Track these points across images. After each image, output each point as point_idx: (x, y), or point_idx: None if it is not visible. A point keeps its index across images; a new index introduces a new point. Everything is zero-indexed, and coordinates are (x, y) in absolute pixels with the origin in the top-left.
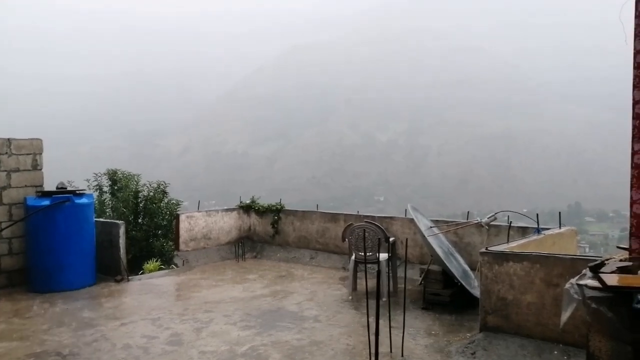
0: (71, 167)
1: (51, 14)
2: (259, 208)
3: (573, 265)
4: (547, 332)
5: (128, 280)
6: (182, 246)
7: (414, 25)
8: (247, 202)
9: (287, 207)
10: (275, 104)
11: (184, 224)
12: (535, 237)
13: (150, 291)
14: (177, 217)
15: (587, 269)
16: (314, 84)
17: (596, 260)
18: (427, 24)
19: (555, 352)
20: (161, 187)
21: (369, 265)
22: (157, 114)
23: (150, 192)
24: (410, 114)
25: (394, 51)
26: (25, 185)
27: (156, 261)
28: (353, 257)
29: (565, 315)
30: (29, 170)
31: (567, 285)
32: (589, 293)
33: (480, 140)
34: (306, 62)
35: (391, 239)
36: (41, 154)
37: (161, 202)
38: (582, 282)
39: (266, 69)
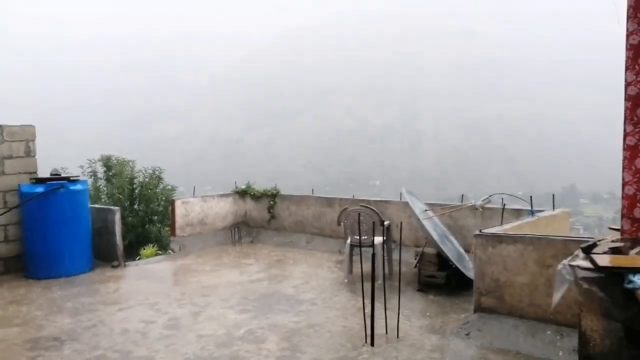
0: (64, 153)
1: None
2: (254, 193)
3: (566, 246)
4: (540, 313)
5: (125, 266)
6: (178, 232)
7: (410, 7)
8: (243, 187)
9: (282, 192)
10: (270, 89)
11: (179, 210)
12: (529, 219)
13: (147, 276)
14: (172, 202)
15: (580, 250)
16: (308, 68)
17: (588, 242)
18: (422, 6)
19: (548, 332)
20: (156, 172)
21: (364, 249)
22: (150, 100)
23: (146, 177)
24: (405, 98)
25: (390, 34)
26: (19, 172)
27: (153, 247)
28: (349, 240)
29: (557, 296)
30: (22, 157)
31: (560, 266)
32: (581, 274)
33: (475, 124)
34: (300, 46)
35: (386, 223)
36: (34, 140)
37: (156, 187)
38: (574, 263)
39: (260, 53)
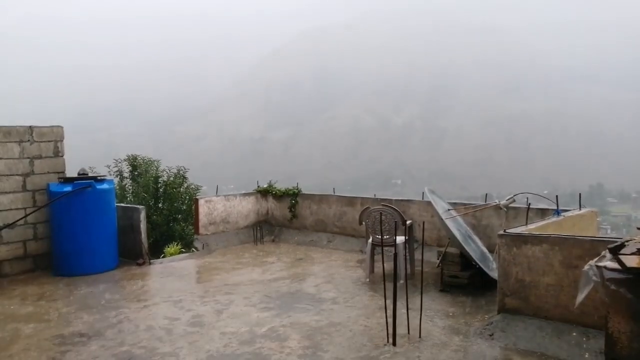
0: (91, 153)
1: (68, 4)
2: (276, 192)
3: (592, 247)
4: (565, 314)
5: (150, 264)
6: (201, 230)
7: (430, 6)
8: (265, 186)
9: (304, 191)
10: (291, 88)
11: (203, 208)
12: (554, 218)
13: (171, 274)
14: (196, 201)
15: (607, 250)
16: (329, 68)
17: (616, 242)
18: (445, 4)
19: (574, 334)
20: (181, 172)
21: (386, 248)
22: (174, 101)
23: (170, 177)
24: (427, 96)
25: (410, 33)
26: (48, 172)
27: (177, 245)
28: (370, 240)
29: (580, 297)
30: (51, 157)
31: (586, 267)
32: (608, 275)
33: (498, 122)
34: (321, 46)
35: (408, 222)
36: (62, 140)
37: (181, 186)
38: (601, 263)
39: (281, 53)
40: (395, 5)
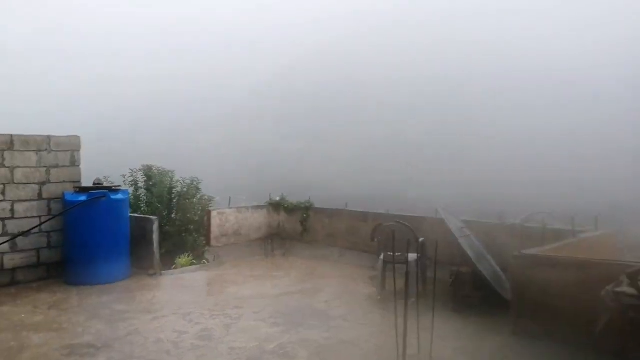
0: (108, 161)
1: (84, 15)
2: (288, 206)
3: (610, 270)
4: (581, 339)
5: (161, 275)
6: (213, 242)
7: (446, 19)
8: (277, 199)
9: (316, 205)
10: (305, 100)
11: (215, 220)
12: (571, 240)
13: (182, 286)
14: (208, 213)
15: (624, 275)
16: (344, 80)
17: (634, 267)
18: (457, 21)
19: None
20: (194, 183)
21: (397, 266)
22: (190, 111)
23: (184, 188)
24: (443, 111)
25: (425, 46)
26: (64, 181)
27: (188, 256)
28: (382, 257)
29: (600, 323)
30: (67, 166)
31: (603, 293)
32: (627, 301)
33: (513, 139)
34: (336, 58)
35: (421, 239)
36: (79, 150)
37: (194, 197)
38: (619, 289)
39: (295, 65)
40: (408, 16)
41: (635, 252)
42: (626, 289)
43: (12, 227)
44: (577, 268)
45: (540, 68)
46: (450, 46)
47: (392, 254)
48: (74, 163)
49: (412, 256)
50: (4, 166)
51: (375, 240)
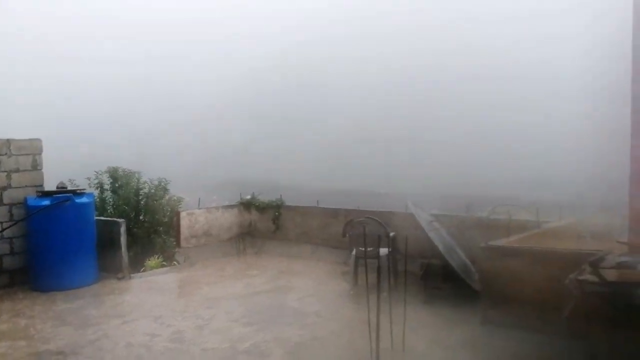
0: (73, 165)
1: (50, 16)
2: (259, 204)
3: (573, 259)
4: (547, 326)
5: (130, 278)
6: (183, 243)
7: (407, 20)
8: (248, 197)
9: (287, 203)
10: (276, 100)
11: (184, 221)
12: (535, 230)
13: (151, 288)
14: (177, 214)
15: (587, 264)
16: (315, 79)
17: (596, 255)
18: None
19: (556, 346)
20: (162, 183)
21: (369, 260)
22: (157, 112)
23: (152, 189)
24: (411, 108)
25: (395, 44)
26: (26, 186)
27: (158, 258)
28: (354, 252)
29: (565, 310)
30: (29, 170)
31: (567, 281)
32: (590, 288)
33: (481, 133)
34: (307, 57)
35: (391, 234)
36: (41, 154)
37: (162, 199)
38: (582, 277)
39: (267, 65)
40: (386, 16)
41: (597, 240)
42: (589, 276)
43: None
44: (542, 258)
45: (504, 63)
46: (420, 43)
47: (363, 249)
48: (36, 167)
49: (384, 251)
50: None
51: (347, 236)
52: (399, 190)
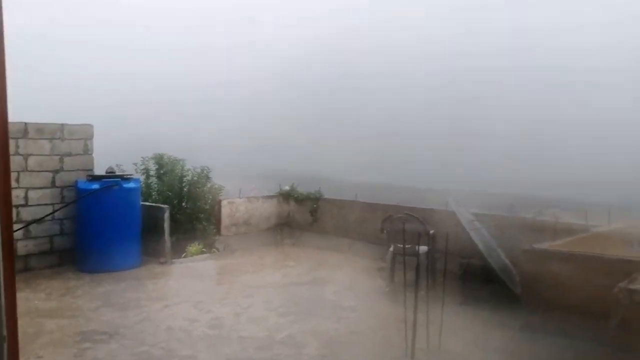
0: (120, 150)
1: (98, 6)
2: (298, 196)
3: (623, 266)
4: (592, 335)
5: (172, 263)
6: (223, 231)
7: (452, 9)
8: (287, 189)
9: (325, 196)
10: (319, 90)
11: (225, 210)
12: (583, 234)
13: (192, 274)
14: (219, 202)
15: (639, 272)
16: (356, 69)
17: None
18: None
19: (600, 356)
20: (205, 172)
21: (407, 258)
22: (201, 101)
23: (195, 176)
24: (455, 101)
25: (440, 38)
26: (77, 169)
27: (198, 244)
28: (391, 248)
29: (613, 320)
30: (80, 154)
31: (616, 289)
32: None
33: (528, 128)
34: (350, 49)
35: (431, 232)
36: (92, 139)
37: (204, 186)
38: (632, 286)
39: (308, 56)
40: (425, 5)
41: None
42: (638, 286)
43: (26, 214)
44: (589, 263)
45: (556, 58)
46: (464, 38)
47: (402, 245)
48: (87, 151)
49: (423, 248)
50: (18, 154)
51: (385, 231)
52: (439, 187)
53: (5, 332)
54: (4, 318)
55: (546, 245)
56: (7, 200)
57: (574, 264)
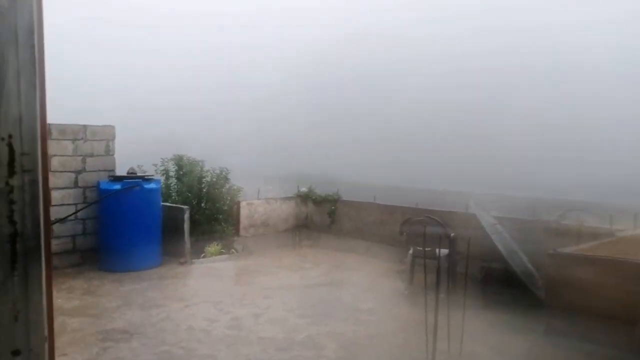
0: (141, 151)
1: (125, 8)
2: (315, 197)
3: None
4: (617, 341)
5: (191, 263)
6: (242, 232)
7: (475, 9)
8: (305, 190)
9: (343, 197)
10: (336, 92)
11: (244, 211)
12: (608, 239)
13: (212, 275)
14: (237, 203)
15: None
16: (373, 71)
17: None
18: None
19: None
20: (223, 173)
21: (427, 260)
22: (220, 102)
23: (213, 177)
24: (476, 103)
25: (459, 37)
26: (99, 170)
27: (217, 245)
28: (411, 251)
29: (639, 328)
30: (102, 155)
31: None
32: None
33: (550, 130)
34: (366, 48)
35: (451, 235)
36: (114, 140)
37: (223, 187)
38: None
39: (325, 56)
40: (444, 6)
41: None
42: None
43: None
44: (615, 268)
45: (578, 59)
46: (484, 38)
47: (421, 248)
48: (109, 152)
49: (443, 251)
50: None
51: (404, 234)
52: (459, 189)
53: (46, 333)
54: (45, 319)
55: (571, 249)
56: (46, 204)
57: (599, 268)
